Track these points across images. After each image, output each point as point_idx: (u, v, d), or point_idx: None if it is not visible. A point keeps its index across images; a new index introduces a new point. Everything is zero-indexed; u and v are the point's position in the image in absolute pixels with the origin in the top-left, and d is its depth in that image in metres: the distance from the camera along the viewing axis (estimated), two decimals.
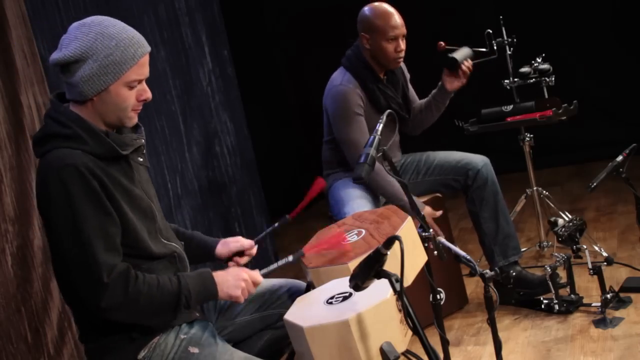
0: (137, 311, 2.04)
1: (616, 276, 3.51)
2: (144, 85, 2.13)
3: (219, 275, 2.16)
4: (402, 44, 3.41)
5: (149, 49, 2.12)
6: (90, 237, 1.99)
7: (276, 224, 2.51)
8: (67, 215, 2.00)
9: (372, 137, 2.50)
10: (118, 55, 2.03)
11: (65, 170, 1.99)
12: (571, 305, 3.31)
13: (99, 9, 3.69)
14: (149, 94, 2.14)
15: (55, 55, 2.06)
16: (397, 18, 3.41)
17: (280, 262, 2.31)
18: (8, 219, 3.05)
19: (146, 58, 2.11)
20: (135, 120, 2.17)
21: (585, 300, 3.34)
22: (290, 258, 2.32)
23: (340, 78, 3.47)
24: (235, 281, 2.16)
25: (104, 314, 2.02)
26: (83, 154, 2.03)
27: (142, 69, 2.10)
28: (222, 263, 2.48)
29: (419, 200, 3.39)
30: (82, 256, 2.00)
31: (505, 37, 3.90)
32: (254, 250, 2.46)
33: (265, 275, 2.26)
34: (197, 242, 2.44)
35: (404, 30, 3.42)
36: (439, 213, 3.42)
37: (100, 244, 2.00)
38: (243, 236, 2.51)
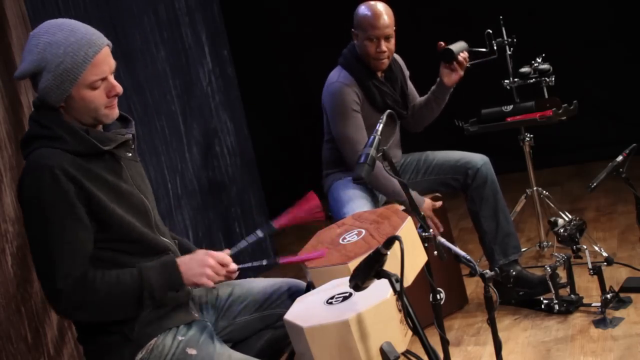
0: (97, 311, 2.05)
1: (616, 276, 3.51)
2: (111, 81, 2.10)
3: (183, 263, 2.11)
4: (384, 46, 3.39)
5: (103, 44, 2.07)
6: (55, 241, 2.00)
7: (258, 233, 2.34)
8: (35, 217, 2.02)
9: (372, 137, 2.50)
10: (68, 61, 2.02)
11: (39, 172, 2.00)
12: (571, 305, 3.31)
13: (99, 9, 3.69)
14: (118, 89, 2.11)
15: (17, 71, 2.08)
16: (382, 18, 3.39)
17: (250, 239, 2.27)
18: (8, 219, 3.05)
19: (102, 55, 2.06)
20: (114, 115, 2.14)
21: (585, 300, 3.34)
22: (259, 233, 2.30)
23: (336, 75, 3.50)
24: (200, 268, 2.10)
25: (64, 316, 2.06)
26: (62, 152, 2.03)
27: (100, 68, 2.06)
28: None
29: (418, 195, 3.39)
30: (43, 259, 2.03)
31: (505, 37, 3.90)
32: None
33: (235, 255, 2.20)
34: (181, 248, 2.40)
35: (386, 32, 3.39)
36: (439, 204, 3.43)
37: (63, 249, 2.01)
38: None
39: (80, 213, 2.03)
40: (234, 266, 2.16)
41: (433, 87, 3.59)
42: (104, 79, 2.08)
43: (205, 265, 2.11)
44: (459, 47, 3.47)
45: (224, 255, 2.16)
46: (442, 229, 3.42)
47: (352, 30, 3.49)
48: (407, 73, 3.70)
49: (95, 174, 2.07)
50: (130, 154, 2.21)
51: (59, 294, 2.01)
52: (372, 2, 3.45)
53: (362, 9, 3.45)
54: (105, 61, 2.08)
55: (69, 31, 2.04)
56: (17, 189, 2.10)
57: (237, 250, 2.24)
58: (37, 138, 2.07)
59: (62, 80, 2.03)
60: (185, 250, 2.39)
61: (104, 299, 2.03)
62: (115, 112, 2.15)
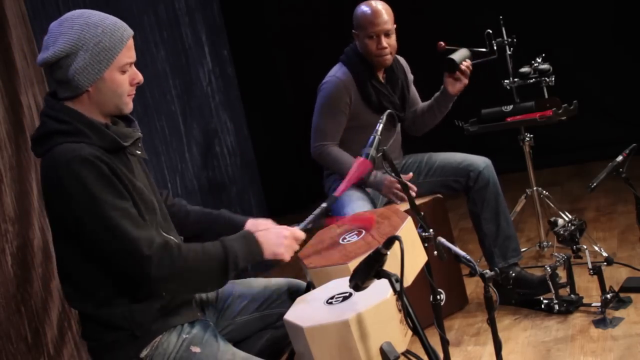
0: (187, 279, 2.06)
1: (616, 276, 3.51)
2: (134, 68, 2.14)
3: (261, 236, 2.18)
4: (384, 42, 3.41)
5: (132, 32, 2.14)
6: (118, 219, 1.99)
7: (323, 205, 2.43)
8: (89, 205, 1.99)
9: (372, 137, 2.50)
10: (107, 41, 2.05)
11: (76, 162, 1.99)
12: (571, 305, 3.31)
13: (99, 9, 3.67)
14: (140, 77, 2.16)
15: (44, 55, 2.06)
16: (380, 15, 3.40)
17: (316, 211, 2.34)
18: (8, 219, 3.05)
19: (132, 41, 2.12)
20: (132, 106, 2.17)
21: (585, 300, 3.34)
22: (324, 204, 2.35)
23: (335, 70, 3.53)
24: (278, 239, 2.19)
25: (156, 286, 2.02)
26: (88, 145, 2.03)
27: (131, 52, 2.11)
28: None
29: (379, 174, 3.39)
30: (117, 239, 1.99)
31: (505, 37, 3.90)
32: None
33: (305, 229, 2.28)
34: (224, 220, 2.44)
35: (385, 28, 3.41)
36: (409, 175, 3.35)
37: (129, 223, 2.00)
38: None
39: (125, 192, 2.05)
40: (302, 235, 2.26)
41: (437, 94, 3.58)
42: (131, 65, 2.12)
43: (282, 236, 2.20)
44: (461, 56, 3.44)
45: (296, 229, 2.26)
46: (415, 192, 3.25)
47: (353, 31, 3.50)
48: (410, 77, 3.70)
49: (117, 167, 2.07)
50: (140, 152, 2.23)
51: (149, 262, 1.99)
52: (370, 1, 3.47)
53: (360, 9, 3.47)
54: (133, 48, 2.13)
55: (103, 16, 2.10)
56: (53, 188, 2.04)
57: (305, 225, 2.31)
58: (56, 134, 2.05)
59: (99, 60, 2.04)
60: (230, 224, 2.41)
61: (192, 267, 2.05)
62: (132, 104, 2.18)
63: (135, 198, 2.08)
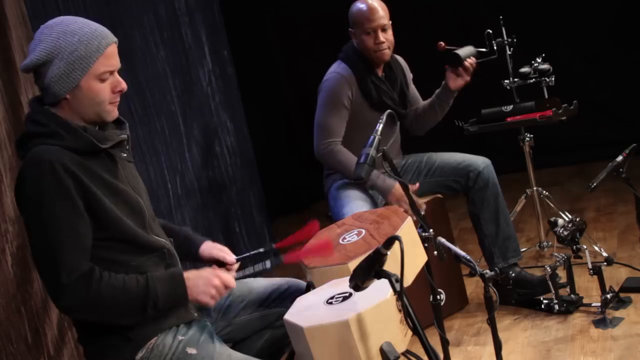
0: (99, 312, 2.04)
1: (616, 276, 3.51)
2: (117, 76, 2.13)
3: (190, 279, 2.14)
4: (382, 36, 3.41)
5: (114, 39, 2.13)
6: (58, 236, 2.00)
7: (261, 249, 2.47)
8: (37, 212, 2.01)
9: (372, 137, 2.50)
10: (82, 49, 2.05)
11: (40, 168, 2.00)
12: (571, 305, 3.31)
13: (99, 9, 3.69)
14: (123, 85, 2.14)
15: (25, 61, 2.08)
16: (375, 10, 3.41)
17: (257, 268, 2.29)
18: (8, 219, 3.05)
19: (112, 49, 2.11)
20: (115, 113, 2.17)
21: (585, 300, 3.34)
22: (268, 264, 2.30)
23: (335, 67, 3.54)
24: (206, 287, 2.14)
25: (65, 313, 2.05)
26: (60, 149, 2.03)
27: (110, 60, 2.10)
28: (205, 264, 2.43)
29: (387, 178, 3.35)
30: (46, 254, 2.01)
31: (505, 37, 3.90)
32: (235, 268, 2.39)
33: (238, 279, 2.25)
34: (183, 237, 2.42)
35: (382, 23, 3.41)
36: (416, 186, 3.38)
37: (66, 243, 2.00)
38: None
39: (81, 207, 2.04)
40: (234, 285, 2.21)
41: (437, 91, 3.59)
42: (112, 73, 2.11)
43: (210, 284, 2.15)
44: (466, 53, 3.45)
45: (230, 278, 2.20)
46: (424, 206, 3.33)
47: (349, 30, 3.51)
48: (409, 75, 3.70)
49: (93, 171, 2.07)
50: (125, 154, 2.22)
51: (63, 289, 1.99)
52: None
53: (356, 7, 3.49)
54: (115, 56, 2.12)
55: (83, 23, 2.09)
56: (16, 188, 2.09)
57: (242, 275, 2.27)
58: (33, 136, 2.07)
59: (74, 68, 2.04)
60: (189, 242, 2.40)
61: (107, 303, 2.03)
62: (116, 112, 2.17)
63: (104, 201, 2.06)
